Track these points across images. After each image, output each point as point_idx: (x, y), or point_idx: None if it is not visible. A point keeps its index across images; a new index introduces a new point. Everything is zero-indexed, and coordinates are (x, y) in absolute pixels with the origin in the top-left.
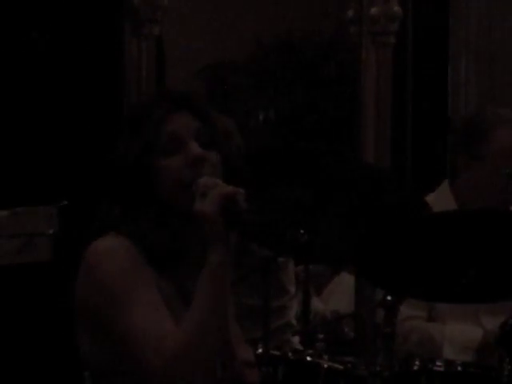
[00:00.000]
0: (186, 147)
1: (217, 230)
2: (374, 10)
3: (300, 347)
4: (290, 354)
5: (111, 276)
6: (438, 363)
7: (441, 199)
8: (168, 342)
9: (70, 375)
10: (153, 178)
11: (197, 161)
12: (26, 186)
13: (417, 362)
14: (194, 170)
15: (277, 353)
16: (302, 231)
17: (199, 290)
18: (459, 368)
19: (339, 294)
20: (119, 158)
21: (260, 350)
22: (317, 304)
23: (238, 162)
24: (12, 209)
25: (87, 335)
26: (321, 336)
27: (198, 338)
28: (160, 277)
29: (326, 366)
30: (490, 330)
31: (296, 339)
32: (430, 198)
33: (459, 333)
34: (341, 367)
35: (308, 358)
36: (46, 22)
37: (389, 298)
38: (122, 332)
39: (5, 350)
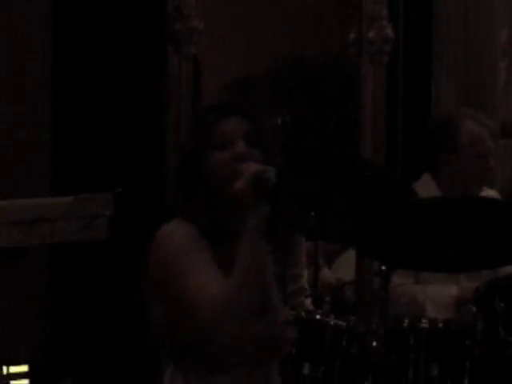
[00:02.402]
0: (233, 145)
1: (250, 202)
2: (371, 34)
3: (311, 308)
4: (302, 314)
5: (174, 252)
6: (424, 321)
7: (425, 188)
8: (217, 297)
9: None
10: (207, 169)
11: (241, 156)
12: (89, 177)
13: (406, 321)
14: (238, 163)
15: (292, 312)
16: (312, 214)
17: (240, 253)
18: (440, 325)
19: (347, 266)
20: (183, 154)
21: None
22: (325, 273)
23: (278, 159)
24: (76, 195)
25: (160, 307)
26: (327, 299)
27: (240, 290)
28: (215, 251)
29: (332, 323)
30: (466, 292)
31: (308, 301)
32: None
33: (439, 293)
34: (344, 324)
35: (317, 317)
36: (106, 45)
37: (383, 268)
38: (179, 293)
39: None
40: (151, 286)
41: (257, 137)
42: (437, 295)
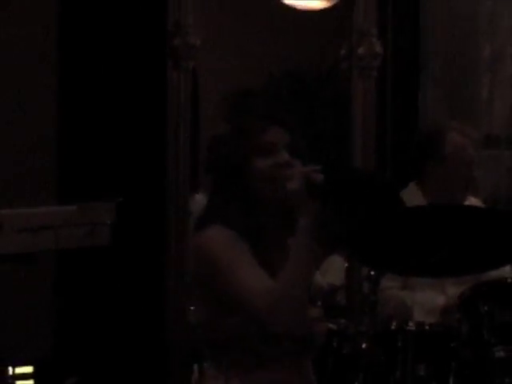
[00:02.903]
0: (277, 153)
1: (303, 201)
2: (361, 50)
3: None
4: None
5: (221, 250)
6: (411, 324)
7: (411, 197)
8: (269, 293)
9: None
10: (250, 175)
11: (286, 164)
12: (92, 187)
13: (394, 323)
14: (283, 170)
15: None
16: None
17: (294, 252)
18: (427, 327)
19: (333, 270)
20: (224, 158)
21: None
22: (317, 278)
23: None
24: (79, 204)
25: (204, 306)
26: (319, 303)
27: (290, 289)
28: (254, 251)
29: None
30: (451, 297)
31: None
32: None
33: (426, 299)
34: (335, 327)
35: None
36: (109, 59)
37: (372, 273)
38: (233, 290)
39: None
40: (197, 288)
41: (296, 147)
42: (424, 301)
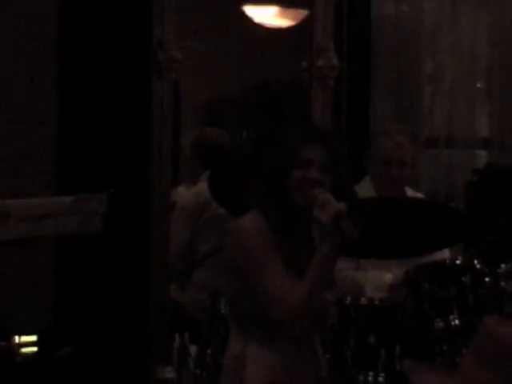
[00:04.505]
0: (311, 167)
1: (327, 231)
2: (320, 63)
3: None
4: None
5: (251, 246)
6: (363, 299)
7: (363, 189)
8: (287, 300)
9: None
10: (287, 181)
11: (313, 181)
12: (87, 179)
13: (348, 299)
14: (309, 186)
15: None
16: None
17: (312, 268)
18: (377, 302)
19: None
20: (271, 166)
21: None
22: None
23: (344, 184)
24: (75, 195)
25: (239, 284)
26: None
27: (307, 301)
28: (281, 245)
29: None
30: (397, 276)
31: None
32: (357, 188)
33: (376, 278)
34: None
35: None
36: (99, 72)
37: None
38: (254, 285)
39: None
40: (232, 264)
41: (331, 164)
42: (374, 280)
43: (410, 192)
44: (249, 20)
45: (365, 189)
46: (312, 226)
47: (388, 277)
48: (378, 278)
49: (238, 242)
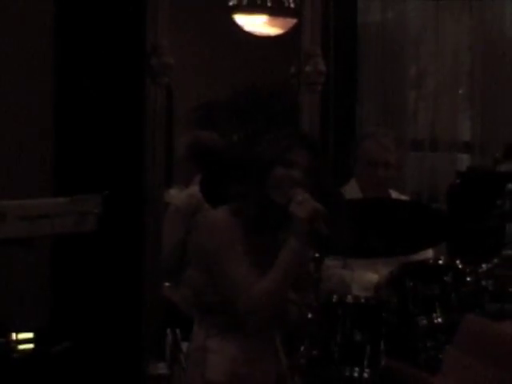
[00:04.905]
0: (293, 169)
1: (302, 228)
2: (308, 68)
3: None
4: None
5: (217, 237)
6: (349, 297)
7: (350, 191)
8: (250, 292)
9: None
10: (268, 178)
11: (295, 182)
12: (82, 182)
13: (335, 297)
14: (291, 186)
15: None
16: None
17: (280, 262)
18: (363, 300)
19: None
20: (255, 162)
21: None
22: None
23: (329, 188)
24: (71, 196)
25: (203, 275)
26: None
27: (270, 295)
28: (252, 242)
29: None
30: (382, 276)
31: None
32: (343, 189)
33: (362, 277)
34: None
35: None
36: (95, 76)
37: (317, 254)
38: (220, 278)
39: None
40: (198, 257)
41: (314, 170)
42: (361, 278)
43: (394, 194)
44: (239, 28)
45: (351, 190)
46: (285, 226)
47: (374, 277)
48: (364, 278)
49: (205, 233)
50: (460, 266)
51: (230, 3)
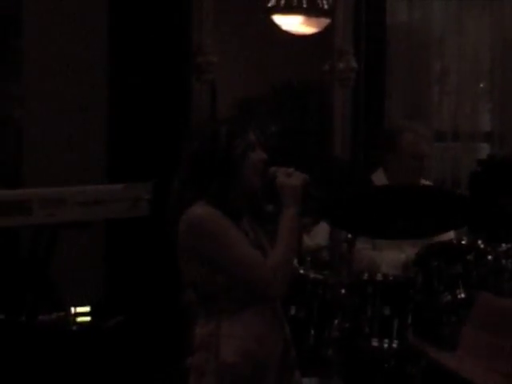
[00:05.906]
0: (259, 151)
1: (296, 196)
2: (340, 65)
3: (296, 265)
4: None
5: (212, 228)
6: (378, 275)
7: (378, 179)
8: (265, 264)
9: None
10: (242, 165)
11: (265, 161)
12: (135, 169)
13: (366, 275)
14: (264, 165)
15: None
16: None
17: (281, 234)
18: (391, 278)
19: (320, 234)
20: (224, 151)
21: None
22: (305, 239)
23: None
24: (125, 183)
25: (195, 267)
26: (308, 258)
27: (287, 262)
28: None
29: (311, 276)
30: (409, 255)
31: (295, 260)
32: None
33: (391, 257)
34: (320, 277)
35: (301, 272)
36: (148, 74)
37: (349, 236)
38: (233, 263)
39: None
40: (188, 253)
41: (261, 144)
42: (389, 258)
43: (422, 181)
44: (277, 28)
45: (377, 179)
46: (275, 202)
47: (402, 256)
48: (393, 257)
49: (196, 231)
50: (481, 246)
51: (269, 4)
